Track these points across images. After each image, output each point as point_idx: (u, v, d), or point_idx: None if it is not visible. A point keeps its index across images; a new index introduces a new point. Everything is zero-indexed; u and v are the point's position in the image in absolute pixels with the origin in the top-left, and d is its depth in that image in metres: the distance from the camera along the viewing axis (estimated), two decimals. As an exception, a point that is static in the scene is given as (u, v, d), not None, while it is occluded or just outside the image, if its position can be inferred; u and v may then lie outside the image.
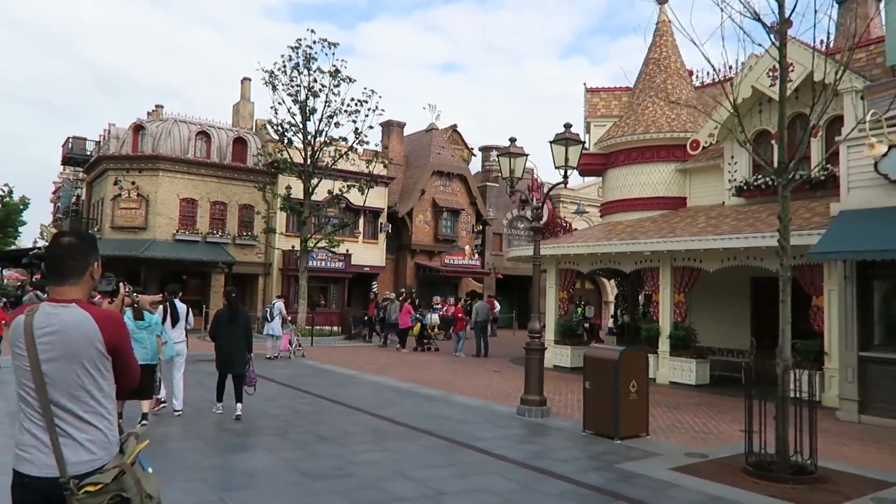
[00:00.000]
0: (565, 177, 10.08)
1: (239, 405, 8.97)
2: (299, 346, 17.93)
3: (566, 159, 9.92)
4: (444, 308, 27.20)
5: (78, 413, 2.35)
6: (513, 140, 10.97)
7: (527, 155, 11.00)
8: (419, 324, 19.05)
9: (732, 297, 15.52)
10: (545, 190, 20.91)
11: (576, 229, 19.84)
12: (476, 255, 32.72)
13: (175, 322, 9.29)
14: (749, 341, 15.32)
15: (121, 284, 3.63)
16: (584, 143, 10.74)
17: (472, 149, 38.08)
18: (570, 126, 10.01)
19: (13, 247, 37.58)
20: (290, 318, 17.75)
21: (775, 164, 14.53)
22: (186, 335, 9.56)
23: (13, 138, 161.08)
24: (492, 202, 36.02)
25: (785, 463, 6.71)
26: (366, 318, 25.00)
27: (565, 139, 9.94)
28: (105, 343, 2.40)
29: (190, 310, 9.70)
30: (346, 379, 13.60)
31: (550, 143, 10.17)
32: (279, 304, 17.21)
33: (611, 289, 38.44)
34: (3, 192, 38.53)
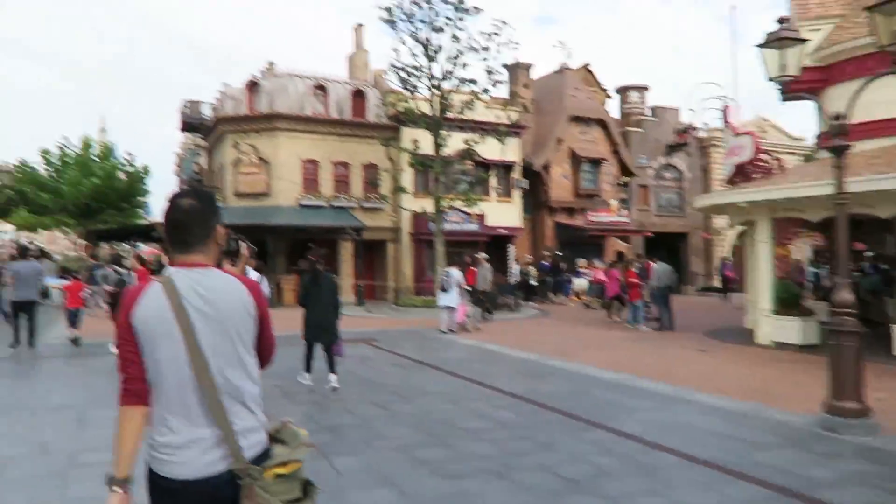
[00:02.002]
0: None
1: (333, 376, 8.41)
2: (471, 317, 15.66)
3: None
4: (593, 273, 24.19)
5: (241, 387, 1.96)
6: (783, 20, 7.45)
7: (805, 40, 7.47)
8: None
9: None
10: (733, 120, 17.00)
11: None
12: (623, 211, 28.85)
13: None
14: None
15: (241, 244, 3.44)
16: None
17: (608, 90, 33.87)
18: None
19: (143, 221, 37.47)
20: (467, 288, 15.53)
21: None
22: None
23: (136, 121, 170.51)
24: (635, 150, 31.83)
25: None
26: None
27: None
28: (257, 311, 2.04)
29: (265, 279, 9.07)
30: (530, 366, 10.66)
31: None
32: (456, 274, 14.95)
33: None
34: (127, 160, 38.12)
